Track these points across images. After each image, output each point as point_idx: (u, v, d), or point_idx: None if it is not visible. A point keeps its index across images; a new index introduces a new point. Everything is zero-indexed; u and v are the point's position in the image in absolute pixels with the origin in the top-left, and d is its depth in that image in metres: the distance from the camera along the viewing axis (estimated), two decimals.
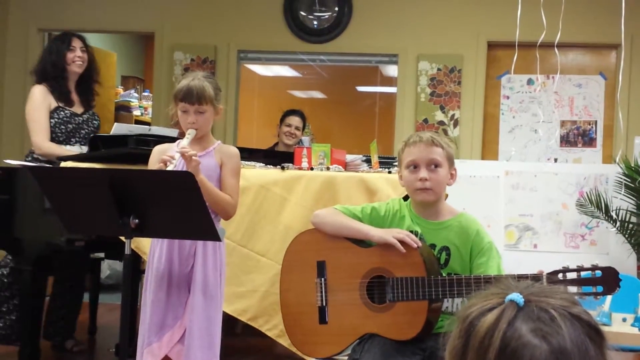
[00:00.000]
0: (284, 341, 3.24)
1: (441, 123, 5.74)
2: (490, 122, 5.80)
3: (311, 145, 3.96)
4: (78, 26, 5.73)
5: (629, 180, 4.44)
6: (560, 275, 2.27)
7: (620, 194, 4.35)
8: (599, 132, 5.67)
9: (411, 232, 2.54)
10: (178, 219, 2.51)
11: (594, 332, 1.01)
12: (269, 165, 3.60)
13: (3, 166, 3.75)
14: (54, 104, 3.97)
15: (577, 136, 5.68)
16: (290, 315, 2.62)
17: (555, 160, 5.63)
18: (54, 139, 3.95)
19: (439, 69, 5.74)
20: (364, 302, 2.49)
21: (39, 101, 3.96)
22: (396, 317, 2.41)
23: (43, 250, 3.57)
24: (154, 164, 2.75)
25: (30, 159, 3.99)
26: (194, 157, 2.58)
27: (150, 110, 7.11)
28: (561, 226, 4.60)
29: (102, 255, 4.40)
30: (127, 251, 2.50)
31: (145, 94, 7.72)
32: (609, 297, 2.84)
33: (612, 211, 4.41)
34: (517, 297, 1.02)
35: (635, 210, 4.44)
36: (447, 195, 2.67)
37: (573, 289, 2.23)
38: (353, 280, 2.50)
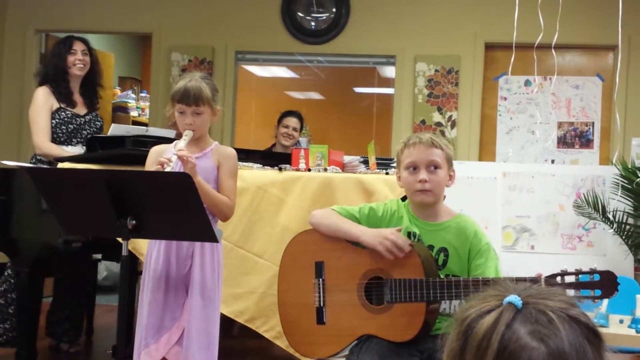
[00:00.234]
0: (282, 343, 3.24)
1: (439, 124, 5.74)
2: (487, 124, 5.80)
3: (309, 146, 3.95)
4: (75, 27, 5.73)
5: (626, 181, 4.44)
6: (558, 279, 2.27)
7: (617, 195, 4.35)
8: (596, 133, 5.67)
9: (409, 233, 2.54)
10: (175, 220, 2.51)
11: (592, 334, 1.01)
12: (266, 167, 3.60)
13: (0, 167, 3.74)
14: (55, 105, 4.03)
15: (574, 137, 5.69)
16: (288, 315, 2.62)
17: (553, 161, 5.64)
18: (55, 139, 3.99)
19: (436, 70, 5.74)
20: (361, 303, 2.48)
21: (41, 103, 4.02)
22: (394, 318, 2.41)
23: (40, 251, 3.57)
24: (151, 165, 2.75)
25: (34, 160, 4.03)
26: (189, 160, 2.58)
27: (147, 111, 7.11)
28: (558, 227, 4.61)
29: (99, 256, 4.39)
30: (124, 252, 2.50)
31: (143, 95, 7.72)
32: (606, 299, 2.84)
33: (609, 212, 4.41)
34: (515, 299, 1.02)
35: (632, 212, 4.45)
36: (444, 197, 2.67)
37: (571, 292, 2.23)
38: (351, 281, 2.50)
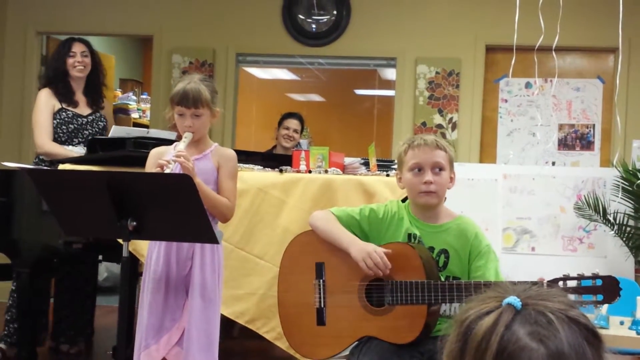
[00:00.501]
0: (282, 344, 3.24)
1: (439, 126, 5.74)
2: (488, 126, 5.80)
3: (309, 148, 3.96)
4: (76, 29, 5.73)
5: (626, 183, 4.44)
6: (560, 284, 2.27)
7: (618, 197, 4.34)
8: (597, 135, 5.67)
9: (409, 234, 2.54)
10: (176, 221, 2.51)
11: (591, 336, 1.01)
12: (267, 168, 3.60)
13: (1, 169, 3.75)
14: (57, 105, 4.05)
15: (575, 139, 5.69)
16: (289, 316, 2.62)
17: (553, 163, 5.63)
18: (56, 139, 4.02)
19: (437, 73, 5.74)
20: (362, 305, 2.48)
21: (42, 104, 4.07)
22: (395, 320, 2.41)
23: (41, 252, 3.57)
24: (150, 167, 2.75)
25: (37, 161, 4.06)
26: (185, 163, 2.58)
27: (148, 113, 7.12)
28: (559, 229, 4.60)
29: (99, 257, 4.40)
30: (124, 254, 2.50)
31: (144, 96, 7.72)
32: None
33: (610, 214, 4.40)
34: (514, 300, 1.02)
35: (632, 214, 4.44)
36: (445, 198, 2.67)
37: (573, 296, 2.23)
38: (352, 282, 2.50)
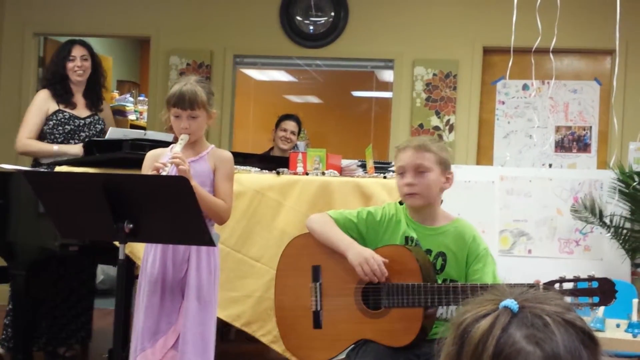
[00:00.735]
0: (278, 347, 3.23)
1: (436, 128, 5.74)
2: (485, 128, 5.80)
3: (306, 150, 3.95)
4: (74, 30, 5.73)
5: (623, 185, 4.45)
6: (556, 286, 2.27)
7: (615, 199, 4.35)
8: (594, 137, 5.68)
9: (407, 237, 2.54)
10: (172, 224, 2.51)
11: (587, 339, 1.00)
12: (264, 170, 3.60)
13: None
14: (53, 107, 4.06)
15: (571, 142, 5.69)
16: (285, 319, 2.61)
17: (550, 165, 5.64)
18: (53, 140, 4.04)
19: (434, 74, 5.75)
20: (358, 308, 2.48)
21: (35, 105, 4.10)
22: (391, 323, 2.41)
23: (37, 255, 3.56)
24: (147, 169, 2.75)
25: (34, 162, 4.06)
26: (181, 166, 2.58)
27: (145, 114, 7.11)
28: (556, 232, 4.60)
29: (96, 260, 4.38)
30: (121, 256, 2.50)
31: (141, 98, 7.72)
32: None
33: (606, 217, 4.41)
34: (511, 303, 1.02)
35: (629, 216, 4.45)
36: (442, 201, 2.67)
37: (569, 299, 2.23)
38: (348, 285, 2.50)
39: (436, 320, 2.47)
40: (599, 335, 1.03)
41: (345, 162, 3.76)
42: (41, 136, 4.07)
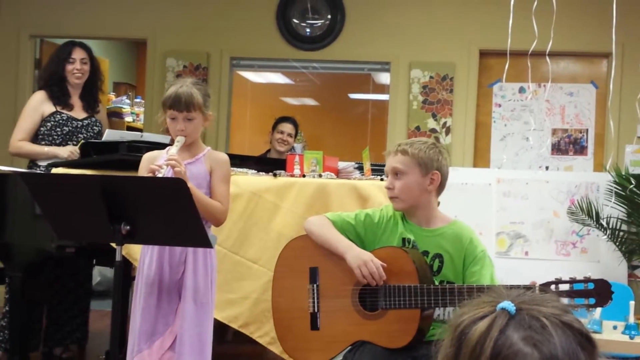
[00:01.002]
0: (275, 348, 3.23)
1: (433, 131, 5.75)
2: (482, 130, 5.81)
3: (303, 152, 3.96)
4: (70, 32, 5.72)
5: (619, 188, 4.46)
6: (552, 287, 2.28)
7: (611, 202, 4.36)
8: (590, 140, 5.69)
9: (404, 239, 2.54)
10: (170, 225, 2.51)
11: (585, 340, 1.01)
12: (261, 172, 3.60)
13: None
14: (50, 109, 4.05)
15: (568, 144, 5.70)
16: (282, 321, 2.61)
17: (547, 168, 5.65)
18: (51, 142, 4.04)
19: (431, 77, 5.75)
20: (356, 309, 2.48)
21: (31, 107, 4.09)
22: (388, 325, 2.41)
23: (33, 256, 3.55)
24: (143, 171, 2.75)
25: (30, 164, 4.06)
26: (177, 168, 2.57)
27: (142, 116, 7.11)
28: (552, 234, 4.61)
29: (92, 261, 4.38)
30: (117, 258, 2.49)
31: (137, 100, 7.71)
32: None
33: (603, 219, 4.42)
34: (508, 305, 1.02)
35: (625, 218, 4.46)
36: (438, 203, 2.67)
37: (565, 300, 2.24)
38: (345, 287, 2.50)
39: (433, 322, 2.47)
40: (596, 337, 1.04)
41: (342, 164, 3.76)
42: (38, 138, 4.06)
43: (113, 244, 2.52)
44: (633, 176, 4.50)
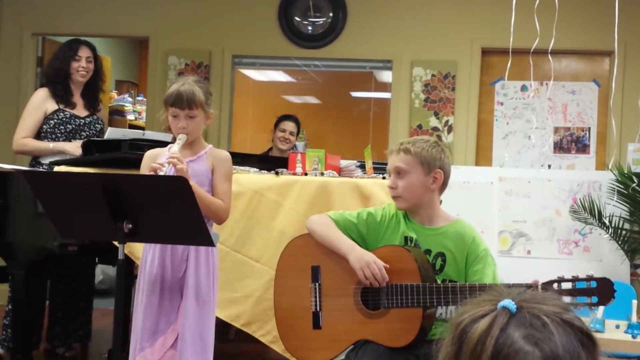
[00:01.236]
0: (278, 347, 3.23)
1: (435, 129, 5.75)
2: (484, 128, 5.81)
3: (305, 150, 3.95)
4: (72, 30, 5.72)
5: (622, 186, 4.46)
6: (555, 285, 2.28)
7: (613, 200, 4.36)
8: (592, 138, 5.68)
9: (406, 237, 2.54)
10: (172, 223, 2.51)
11: (586, 339, 1.01)
12: (263, 171, 3.60)
13: None
14: (53, 107, 4.06)
15: (570, 143, 5.70)
16: (284, 320, 2.61)
17: (549, 166, 5.64)
18: (54, 139, 4.04)
19: (433, 75, 5.75)
20: (358, 308, 2.48)
21: (34, 105, 4.10)
22: (390, 323, 2.41)
23: (36, 255, 3.56)
24: (145, 169, 2.75)
25: (33, 163, 4.06)
26: (179, 166, 2.58)
27: (144, 114, 7.11)
28: (555, 232, 4.61)
29: (95, 259, 4.38)
30: (120, 256, 2.50)
31: (139, 98, 7.71)
32: None
33: (605, 218, 4.42)
34: (509, 303, 1.02)
35: (628, 217, 4.46)
36: (441, 201, 2.67)
37: (568, 299, 2.23)
38: (347, 285, 2.50)
39: (435, 321, 2.47)
40: (598, 336, 1.04)
41: (344, 163, 3.76)
42: (41, 135, 4.07)
43: (115, 242, 2.53)
44: (635, 174, 4.50)
